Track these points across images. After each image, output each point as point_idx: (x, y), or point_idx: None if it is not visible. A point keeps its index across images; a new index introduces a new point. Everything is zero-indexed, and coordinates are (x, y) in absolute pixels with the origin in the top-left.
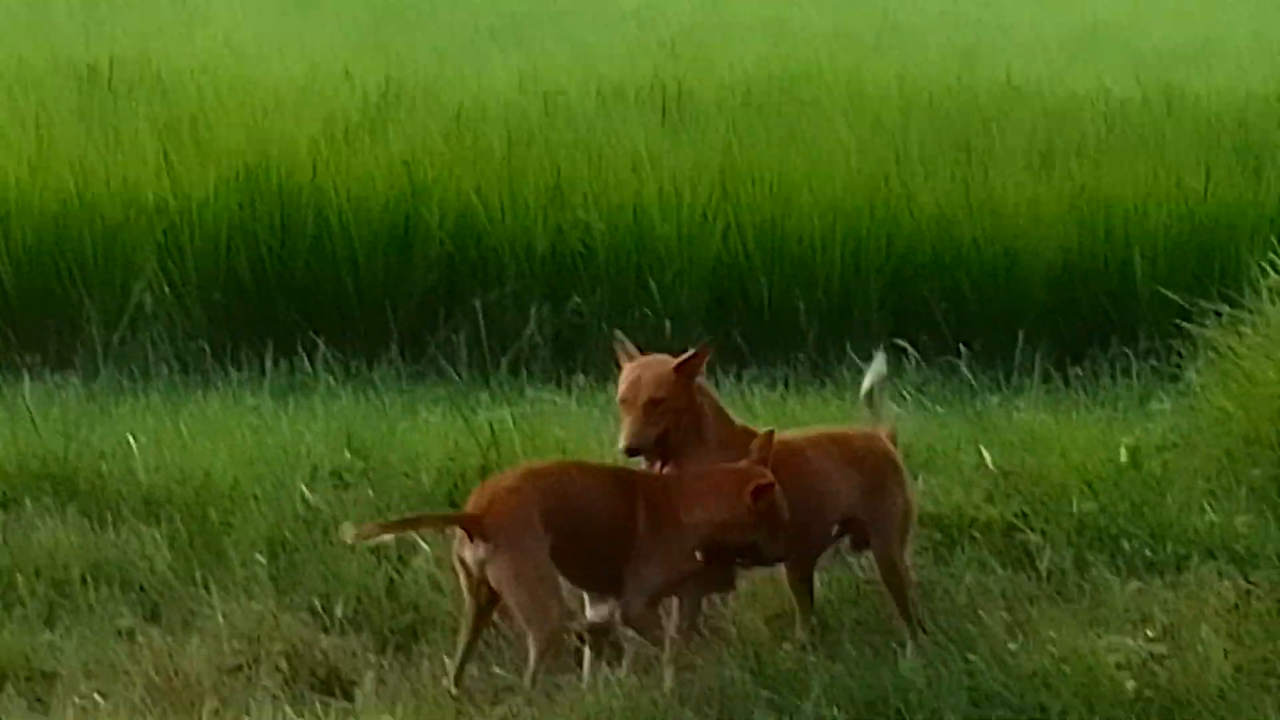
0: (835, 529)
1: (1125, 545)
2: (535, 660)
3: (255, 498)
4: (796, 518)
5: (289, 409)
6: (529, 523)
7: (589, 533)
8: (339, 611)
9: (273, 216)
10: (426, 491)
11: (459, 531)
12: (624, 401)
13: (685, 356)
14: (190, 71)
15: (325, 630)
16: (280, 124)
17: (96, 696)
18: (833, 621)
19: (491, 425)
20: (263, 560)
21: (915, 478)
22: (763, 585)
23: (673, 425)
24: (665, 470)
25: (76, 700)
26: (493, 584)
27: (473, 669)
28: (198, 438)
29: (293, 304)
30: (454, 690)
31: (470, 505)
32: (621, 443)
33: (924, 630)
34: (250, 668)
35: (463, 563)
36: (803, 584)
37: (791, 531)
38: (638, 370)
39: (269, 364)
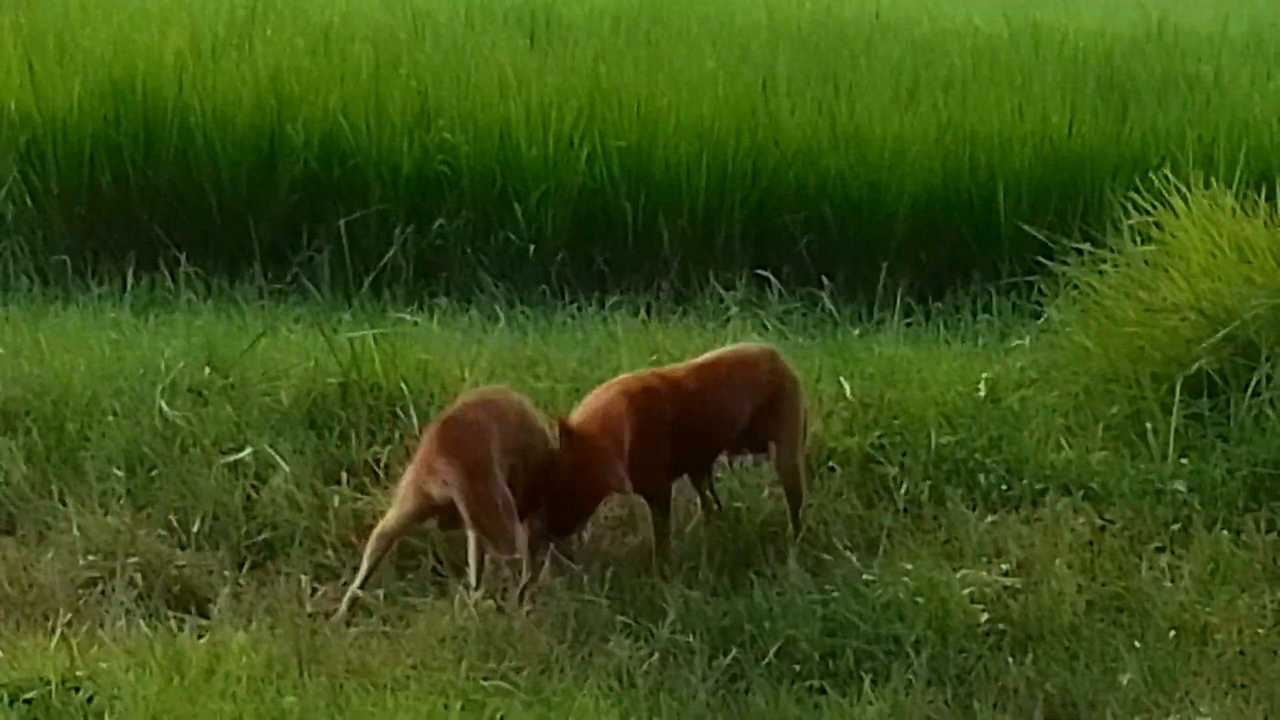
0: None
1: (982, 479)
2: (524, 582)
3: (114, 412)
4: (701, 430)
5: (149, 324)
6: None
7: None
8: (195, 527)
9: (137, 130)
10: (285, 409)
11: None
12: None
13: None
14: None
15: (181, 546)
16: (147, 37)
17: None
18: (690, 550)
19: (352, 344)
20: (120, 474)
21: None
22: (626, 514)
23: None
24: None
25: None
26: (465, 514)
27: (330, 589)
28: (57, 351)
29: (155, 218)
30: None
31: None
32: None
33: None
34: (105, 582)
35: (423, 493)
36: (703, 486)
37: (698, 442)
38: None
39: (130, 278)
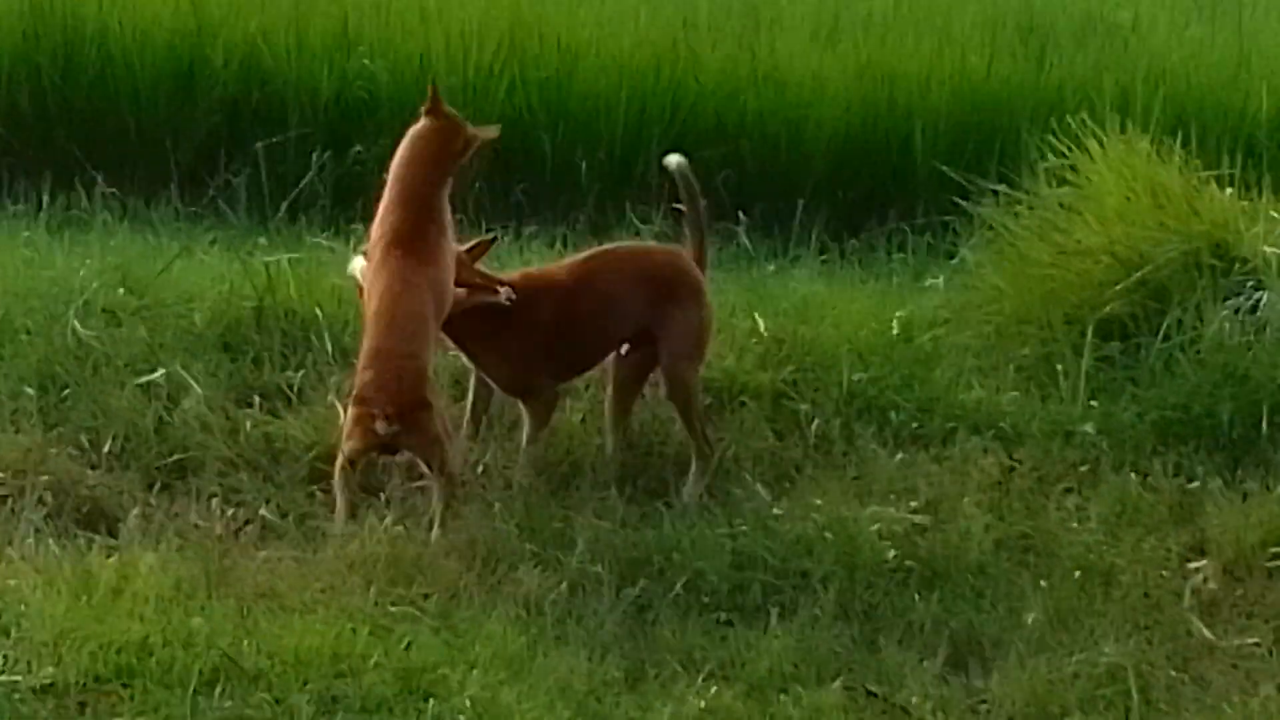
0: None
1: (893, 417)
2: (442, 503)
3: (26, 330)
4: (587, 329)
5: (64, 243)
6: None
7: None
8: (106, 447)
9: (55, 48)
10: (199, 332)
11: None
12: None
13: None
14: None
15: (92, 466)
16: None
17: None
18: (601, 479)
19: (268, 268)
20: (31, 393)
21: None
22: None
23: None
24: None
25: None
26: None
27: (239, 512)
28: None
29: (72, 138)
30: None
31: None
32: None
33: (710, 448)
34: (15, 500)
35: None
36: (622, 405)
37: (585, 341)
38: None
39: (45, 197)
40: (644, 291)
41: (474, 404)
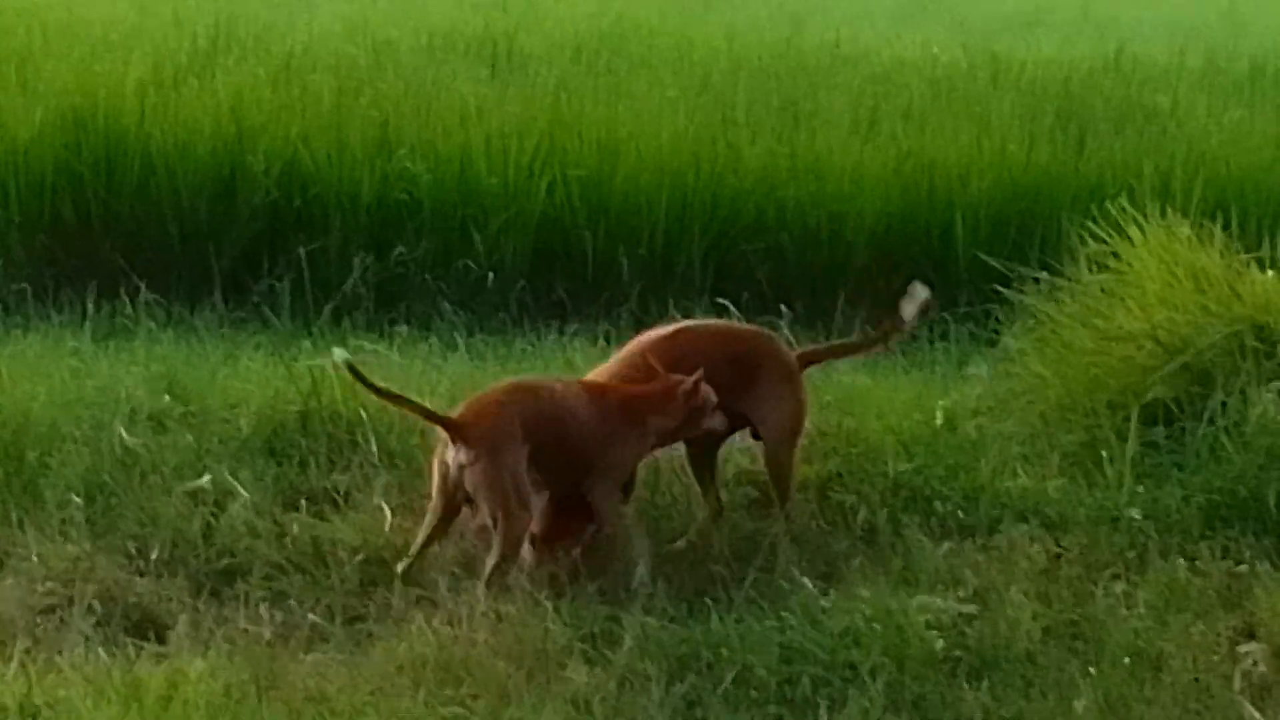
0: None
1: (939, 506)
2: (493, 562)
3: (73, 439)
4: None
5: (109, 352)
6: (510, 433)
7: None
8: (154, 554)
9: (98, 159)
10: (245, 437)
11: (443, 435)
12: None
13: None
14: (18, 11)
15: (140, 573)
16: (108, 66)
17: None
18: (653, 578)
19: (312, 372)
20: (79, 502)
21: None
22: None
23: None
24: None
25: None
26: (469, 488)
27: (287, 616)
28: (17, 379)
29: (116, 247)
30: (399, 575)
31: (458, 413)
32: None
33: (789, 520)
34: (64, 609)
35: (443, 464)
36: (703, 470)
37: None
38: None
39: (90, 307)
40: (732, 372)
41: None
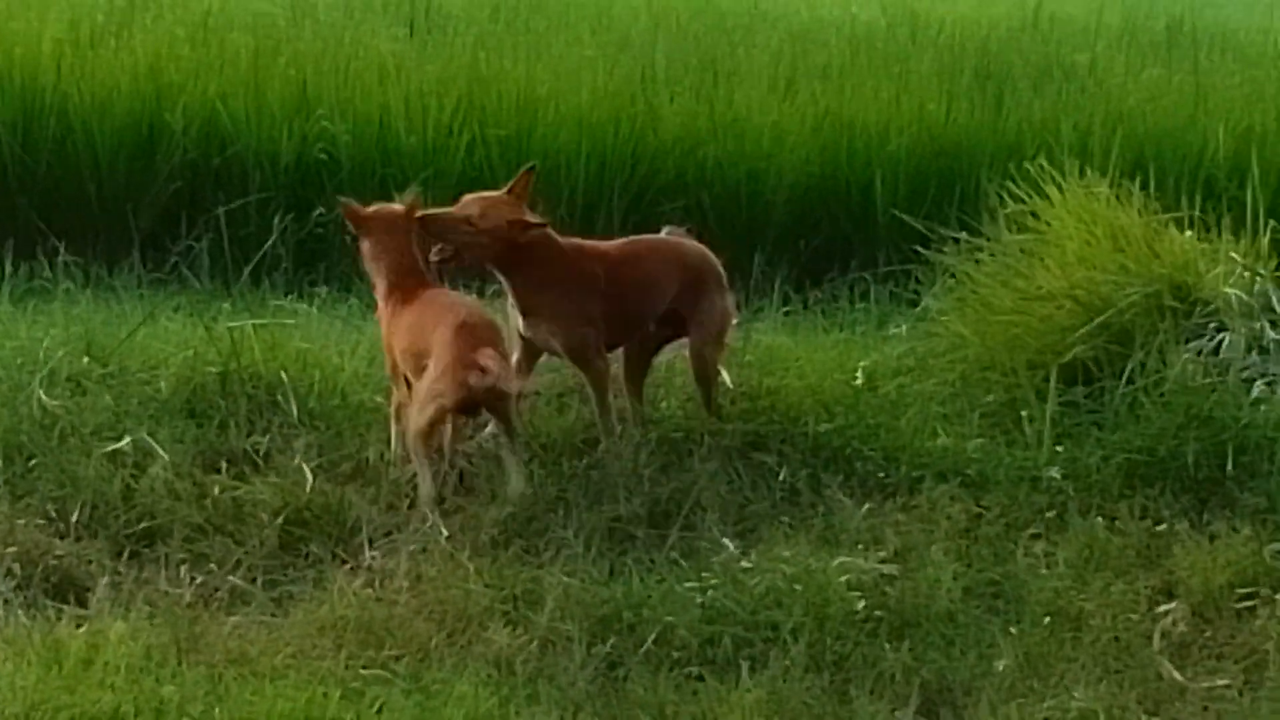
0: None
1: (859, 466)
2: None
3: None
4: (626, 309)
5: (27, 313)
6: None
7: None
8: (74, 516)
9: (14, 118)
10: (165, 398)
11: None
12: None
13: (513, 181)
14: None
15: (60, 535)
16: (24, 24)
17: None
18: (572, 537)
19: (232, 334)
20: None
21: (656, 395)
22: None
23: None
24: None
25: None
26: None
27: (208, 578)
28: None
29: (33, 207)
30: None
31: None
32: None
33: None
34: None
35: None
36: (636, 380)
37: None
38: (478, 197)
39: (8, 267)
40: (678, 276)
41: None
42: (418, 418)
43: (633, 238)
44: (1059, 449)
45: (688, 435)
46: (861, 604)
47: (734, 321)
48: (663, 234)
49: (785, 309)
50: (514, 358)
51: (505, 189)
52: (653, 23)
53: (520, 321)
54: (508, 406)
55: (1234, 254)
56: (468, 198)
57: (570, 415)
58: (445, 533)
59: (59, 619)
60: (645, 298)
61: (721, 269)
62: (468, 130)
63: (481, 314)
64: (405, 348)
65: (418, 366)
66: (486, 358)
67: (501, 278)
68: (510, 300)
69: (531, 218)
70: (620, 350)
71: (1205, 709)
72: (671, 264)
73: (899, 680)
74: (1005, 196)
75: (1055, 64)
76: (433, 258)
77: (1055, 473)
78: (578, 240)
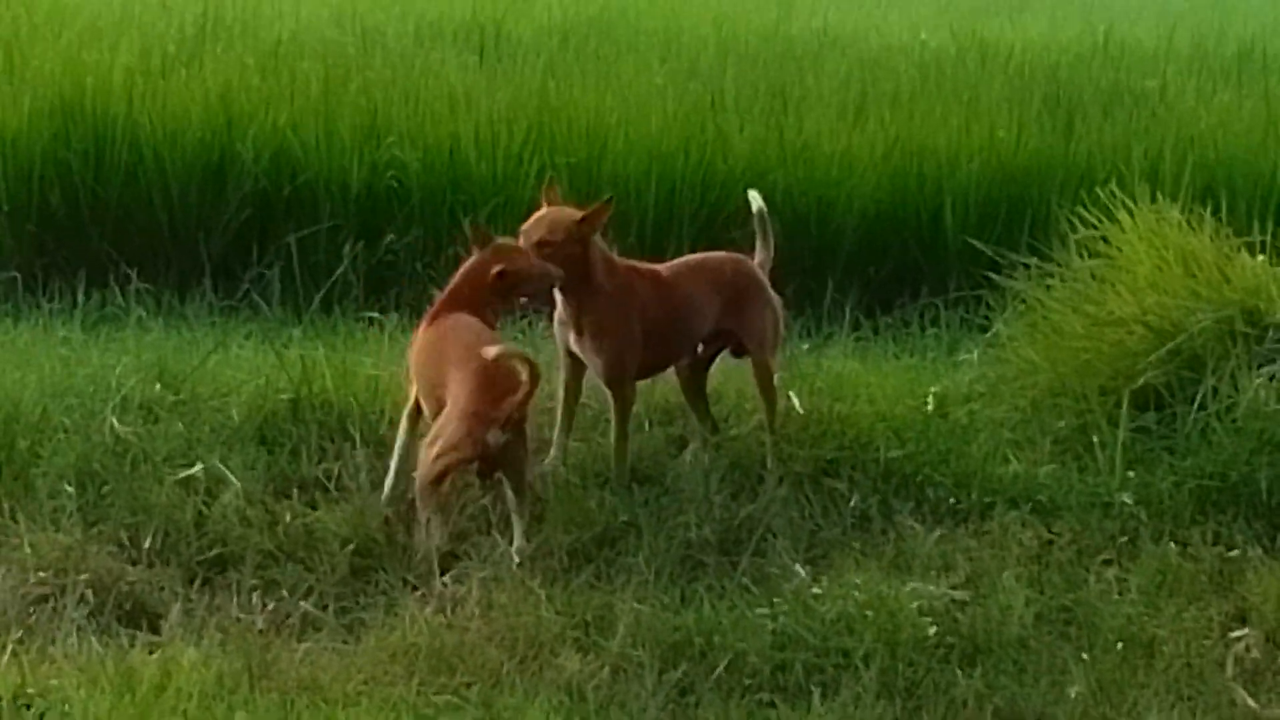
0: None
1: (930, 492)
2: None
3: (64, 429)
4: (668, 333)
5: (100, 341)
6: None
7: None
8: (146, 543)
9: (87, 148)
10: (236, 425)
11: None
12: (520, 233)
13: (589, 210)
14: (5, 0)
15: (133, 562)
16: (96, 54)
17: None
18: (642, 564)
19: (303, 360)
20: (71, 491)
21: (724, 422)
22: (569, 510)
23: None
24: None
25: None
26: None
27: (279, 605)
28: (7, 368)
29: (105, 236)
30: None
31: None
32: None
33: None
34: (57, 598)
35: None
36: (696, 395)
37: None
38: (545, 214)
39: (81, 296)
40: (719, 293)
41: (565, 408)
42: (429, 468)
43: (680, 259)
44: (1130, 475)
45: (759, 462)
46: (933, 630)
47: (782, 322)
48: None
49: (856, 335)
50: (561, 378)
51: (579, 215)
52: (721, 49)
53: (572, 338)
54: (522, 465)
55: None
56: (530, 221)
57: (639, 440)
58: (516, 559)
59: (132, 645)
60: (689, 319)
61: (761, 274)
62: (538, 158)
63: (503, 353)
64: (420, 370)
65: (432, 395)
66: (504, 412)
67: (560, 295)
68: (559, 316)
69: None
70: (674, 372)
71: None
72: (710, 283)
73: (971, 707)
74: (1076, 222)
75: (1125, 89)
76: (520, 309)
77: (1127, 498)
78: (630, 261)
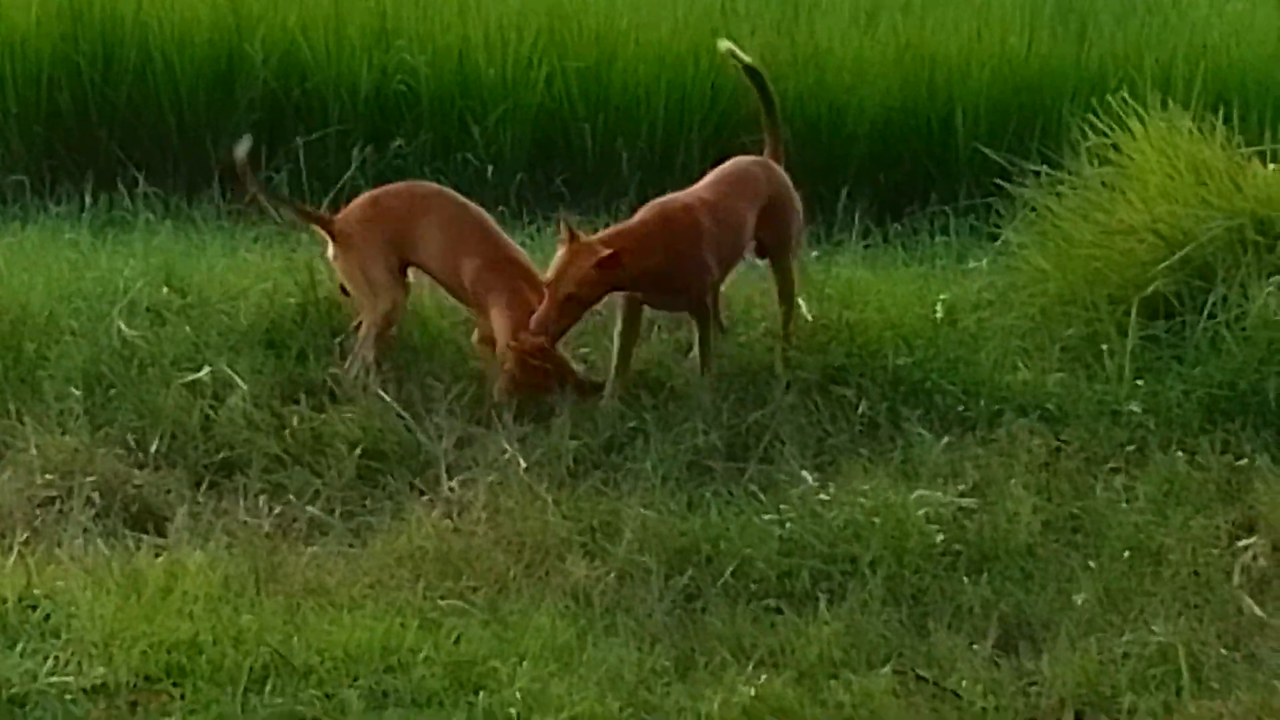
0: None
1: (939, 400)
2: (362, 339)
3: (72, 331)
4: (727, 254)
5: (108, 244)
6: (367, 227)
7: None
8: (153, 447)
9: (95, 49)
10: (244, 329)
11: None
12: (548, 285)
13: (606, 256)
14: None
15: (139, 465)
16: None
17: None
18: (649, 469)
19: (310, 265)
20: (78, 394)
21: (734, 327)
22: (582, 419)
23: (583, 314)
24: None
25: None
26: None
27: (286, 508)
28: (15, 271)
29: (113, 139)
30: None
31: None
32: (533, 322)
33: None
34: (63, 500)
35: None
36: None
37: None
38: (567, 260)
39: (88, 198)
40: (759, 206)
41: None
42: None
43: (717, 174)
44: (1139, 383)
45: (767, 369)
46: (940, 537)
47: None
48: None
49: (865, 242)
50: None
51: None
52: None
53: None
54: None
55: None
56: (553, 270)
57: (646, 349)
58: (524, 464)
59: (138, 548)
60: (740, 235)
61: (787, 179)
62: (547, 63)
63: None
64: None
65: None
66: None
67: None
68: None
69: (604, 250)
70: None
71: None
72: (750, 197)
73: (977, 614)
74: (1087, 130)
75: None
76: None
77: (1135, 407)
78: (683, 199)
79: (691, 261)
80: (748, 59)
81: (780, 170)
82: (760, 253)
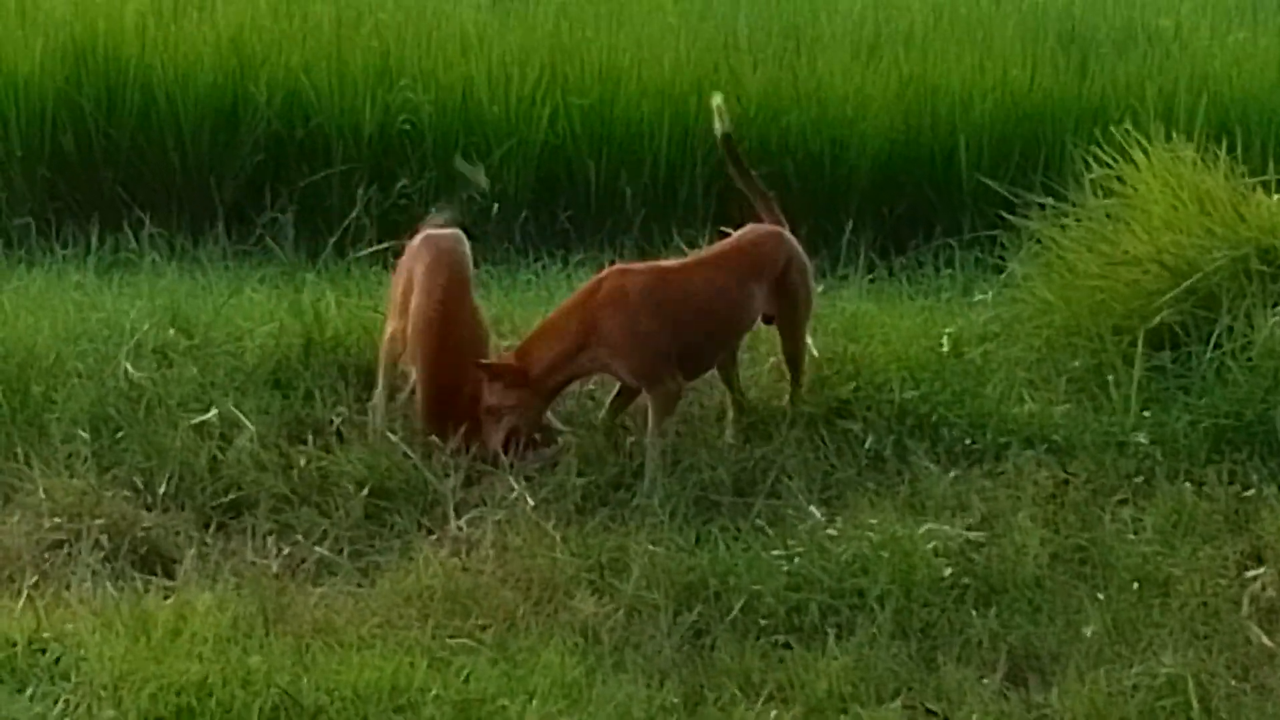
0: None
1: (945, 433)
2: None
3: (78, 373)
4: (718, 331)
5: (113, 285)
6: None
7: None
8: (161, 488)
9: (99, 92)
10: (250, 369)
11: None
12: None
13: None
14: None
15: (147, 507)
16: None
17: None
18: (657, 505)
19: (316, 305)
20: (85, 436)
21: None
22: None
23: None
24: None
25: None
26: None
27: (294, 549)
28: (21, 313)
29: (118, 180)
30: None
31: None
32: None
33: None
34: (71, 543)
35: None
36: (728, 369)
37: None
38: (488, 391)
39: (94, 240)
40: (765, 282)
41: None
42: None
43: (721, 246)
44: (1145, 414)
45: (773, 403)
46: (948, 571)
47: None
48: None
49: (870, 276)
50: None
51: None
52: None
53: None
54: None
55: None
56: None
57: None
58: (531, 502)
59: (146, 590)
60: (720, 307)
61: (799, 247)
62: (550, 100)
63: None
64: None
65: None
66: None
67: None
68: None
69: (505, 363)
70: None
71: None
72: (750, 269)
73: (986, 647)
74: (1090, 161)
75: (1139, 28)
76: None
77: (1142, 438)
78: (660, 267)
79: (621, 336)
80: (726, 126)
81: (793, 241)
82: (765, 319)
